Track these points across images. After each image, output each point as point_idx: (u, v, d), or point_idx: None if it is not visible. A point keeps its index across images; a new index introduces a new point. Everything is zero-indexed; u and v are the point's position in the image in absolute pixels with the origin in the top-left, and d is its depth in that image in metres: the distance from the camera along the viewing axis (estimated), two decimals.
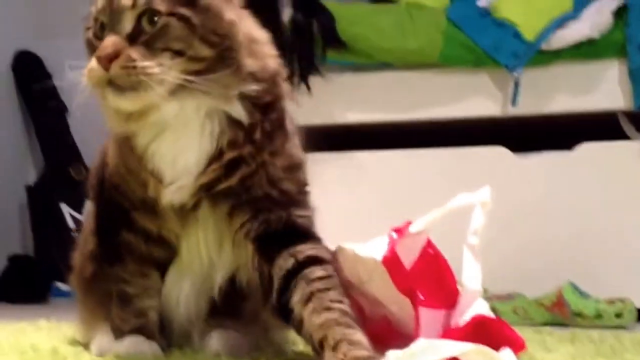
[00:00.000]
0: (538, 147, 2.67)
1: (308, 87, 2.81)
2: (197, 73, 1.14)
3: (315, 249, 1.28)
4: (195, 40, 1.14)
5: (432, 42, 2.69)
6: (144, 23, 1.13)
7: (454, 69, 2.71)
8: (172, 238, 1.31)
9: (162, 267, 1.35)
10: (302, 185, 1.32)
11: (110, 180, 1.32)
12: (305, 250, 1.26)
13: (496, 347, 1.11)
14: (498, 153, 2.67)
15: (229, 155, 1.22)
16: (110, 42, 1.12)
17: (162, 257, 1.34)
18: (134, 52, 1.11)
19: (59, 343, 1.52)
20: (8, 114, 3.79)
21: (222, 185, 1.23)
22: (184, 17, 1.13)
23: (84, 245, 1.44)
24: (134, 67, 1.11)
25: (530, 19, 2.62)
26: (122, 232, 1.32)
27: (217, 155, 1.22)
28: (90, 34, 1.20)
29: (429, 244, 1.28)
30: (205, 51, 1.14)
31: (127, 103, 1.15)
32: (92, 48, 1.18)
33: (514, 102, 2.61)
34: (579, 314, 2.27)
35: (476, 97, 2.70)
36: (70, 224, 3.51)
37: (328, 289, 1.21)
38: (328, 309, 1.18)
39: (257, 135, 1.23)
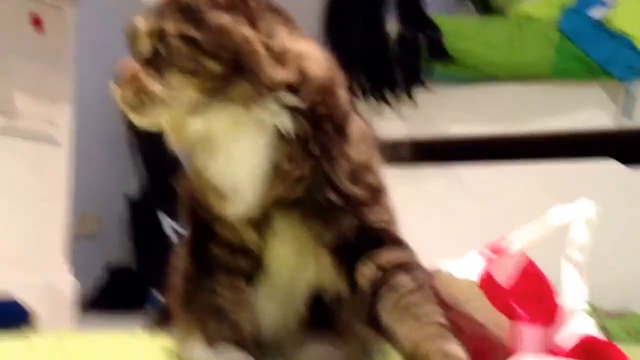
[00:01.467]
0: None
1: (414, 101, 2.80)
2: (213, 89, 1.17)
3: (399, 252, 1.25)
4: (202, 58, 1.15)
5: (543, 55, 2.66)
6: (159, 46, 1.17)
7: (565, 81, 2.67)
8: (256, 249, 1.30)
9: (253, 280, 1.34)
10: (372, 189, 1.27)
11: (195, 194, 1.33)
12: (389, 256, 1.24)
13: None
14: (609, 166, 2.62)
15: (288, 169, 1.21)
16: (126, 66, 1.18)
17: (250, 269, 1.32)
18: (143, 74, 1.16)
19: (156, 352, 1.53)
20: (110, 127, 3.86)
21: (288, 198, 1.22)
22: (190, 38, 1.16)
23: (179, 265, 1.45)
24: (141, 88, 1.16)
25: None
26: (211, 246, 1.32)
27: (276, 170, 1.21)
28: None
29: (528, 262, 1.23)
30: (215, 67, 1.15)
31: (139, 120, 1.20)
32: None
33: (627, 114, 2.55)
34: None
35: (588, 109, 2.66)
36: (170, 235, 3.54)
37: (420, 300, 1.19)
38: (421, 320, 1.16)
39: (314, 149, 1.22)
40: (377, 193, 1.29)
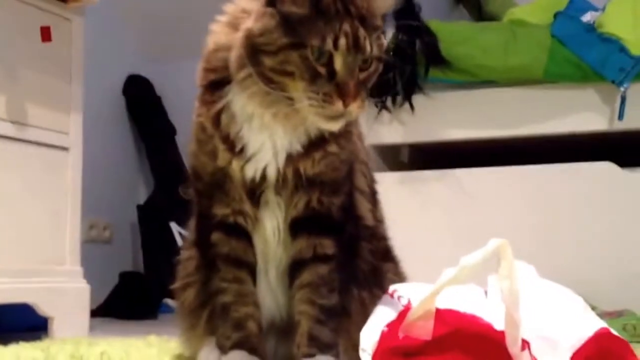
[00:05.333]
0: None
1: (412, 106, 2.83)
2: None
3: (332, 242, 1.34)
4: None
5: (537, 59, 2.68)
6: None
7: (559, 85, 2.69)
8: (247, 225, 1.33)
9: (254, 272, 1.37)
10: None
11: (192, 169, 1.37)
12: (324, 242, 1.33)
13: None
14: (605, 168, 2.63)
15: (323, 143, 1.29)
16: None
17: (246, 255, 1.35)
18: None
19: (170, 359, 1.56)
20: (120, 136, 3.91)
21: (310, 172, 1.29)
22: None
23: (185, 269, 1.49)
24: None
25: (636, 33, 2.59)
26: (211, 234, 1.35)
27: (315, 144, 1.28)
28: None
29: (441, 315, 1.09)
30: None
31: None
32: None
33: (620, 116, 2.57)
34: None
35: (582, 112, 2.67)
36: (179, 242, 3.59)
37: (320, 285, 1.31)
38: (310, 301, 1.31)
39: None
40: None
